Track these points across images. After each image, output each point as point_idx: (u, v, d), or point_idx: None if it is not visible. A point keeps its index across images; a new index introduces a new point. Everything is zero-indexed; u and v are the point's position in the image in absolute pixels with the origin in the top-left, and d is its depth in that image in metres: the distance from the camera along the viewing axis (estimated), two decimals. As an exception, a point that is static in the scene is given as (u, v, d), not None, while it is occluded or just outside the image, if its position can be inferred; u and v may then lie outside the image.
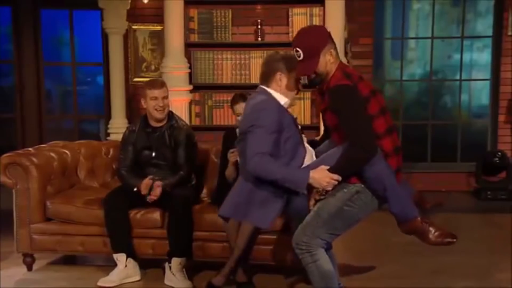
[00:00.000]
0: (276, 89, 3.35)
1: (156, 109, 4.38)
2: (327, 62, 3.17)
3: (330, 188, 3.13)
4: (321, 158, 3.25)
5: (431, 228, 3.22)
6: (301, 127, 3.50)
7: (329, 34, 3.25)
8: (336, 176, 3.09)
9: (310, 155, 3.35)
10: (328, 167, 3.11)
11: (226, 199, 3.54)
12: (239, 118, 4.61)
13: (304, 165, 3.28)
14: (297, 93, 3.46)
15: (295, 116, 3.45)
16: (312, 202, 3.22)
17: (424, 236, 3.23)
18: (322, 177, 3.11)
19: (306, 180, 3.12)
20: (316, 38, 3.19)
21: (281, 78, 3.33)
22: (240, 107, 4.54)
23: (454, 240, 3.26)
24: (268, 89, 3.35)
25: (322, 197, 3.17)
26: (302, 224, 3.21)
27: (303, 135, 3.44)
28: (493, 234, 5.54)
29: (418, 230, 3.22)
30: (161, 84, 4.44)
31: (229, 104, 6.00)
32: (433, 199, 3.49)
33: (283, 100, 3.34)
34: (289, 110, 3.43)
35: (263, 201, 3.28)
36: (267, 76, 3.38)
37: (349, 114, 3.06)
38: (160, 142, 4.43)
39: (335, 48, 3.22)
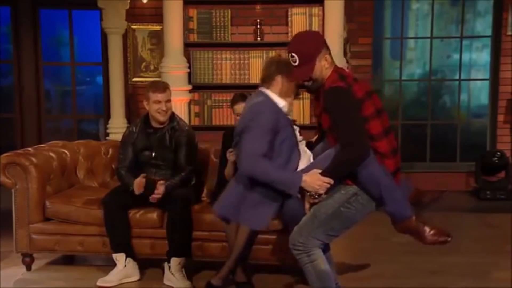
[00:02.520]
0: (275, 92, 3.37)
1: (158, 112, 4.38)
2: (322, 68, 3.20)
3: (322, 192, 3.13)
4: (315, 161, 3.26)
5: (426, 228, 3.23)
6: (300, 127, 3.50)
7: (324, 40, 3.29)
8: (327, 179, 3.10)
9: (307, 159, 3.36)
10: (320, 171, 3.12)
11: (220, 197, 3.60)
12: (239, 118, 4.61)
13: (299, 168, 3.29)
14: (295, 98, 3.48)
15: (293, 119, 3.46)
16: (307, 205, 3.22)
17: (419, 235, 3.25)
18: (313, 180, 3.12)
19: (298, 183, 3.14)
20: (311, 44, 3.22)
21: (282, 81, 3.36)
22: (240, 107, 4.53)
23: (449, 238, 3.28)
24: (267, 91, 3.37)
25: (316, 200, 3.17)
26: (299, 224, 3.22)
27: (301, 138, 3.44)
28: (492, 233, 5.54)
29: (413, 229, 3.23)
30: (165, 88, 4.43)
31: (228, 104, 6.00)
32: (430, 193, 3.50)
33: (281, 103, 3.36)
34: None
35: (256, 204, 3.31)
36: (267, 79, 3.41)
37: (341, 116, 3.07)
38: (161, 143, 4.43)
39: (330, 54, 3.25)
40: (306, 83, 3.26)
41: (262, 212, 3.32)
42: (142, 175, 4.31)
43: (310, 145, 3.51)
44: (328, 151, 3.21)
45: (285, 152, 3.27)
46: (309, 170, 3.18)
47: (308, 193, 3.15)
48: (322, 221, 3.17)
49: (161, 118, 4.40)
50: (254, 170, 3.19)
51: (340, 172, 3.13)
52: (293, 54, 3.20)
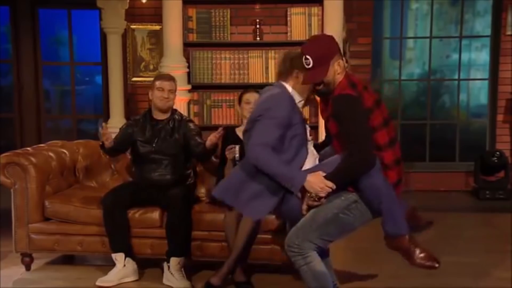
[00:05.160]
0: (293, 86, 3.34)
1: (160, 100, 4.41)
2: (335, 72, 3.18)
3: (323, 195, 3.12)
4: (321, 163, 3.25)
5: (416, 249, 3.21)
6: (310, 128, 3.49)
7: (338, 45, 3.27)
8: (330, 184, 3.09)
9: (313, 159, 3.34)
10: (324, 174, 3.11)
11: (222, 181, 3.61)
12: (246, 107, 4.50)
13: (304, 167, 3.28)
14: (311, 97, 3.45)
15: (306, 117, 3.44)
16: (305, 207, 3.20)
17: (408, 255, 3.22)
18: (316, 182, 3.10)
19: (302, 181, 3.12)
20: (327, 47, 3.21)
21: (298, 76, 3.32)
22: (251, 96, 4.45)
23: (437, 265, 3.23)
24: (285, 84, 3.35)
25: (315, 203, 3.15)
26: (296, 226, 3.20)
27: (311, 138, 3.42)
28: (492, 233, 5.55)
29: (404, 248, 3.21)
30: (170, 78, 4.49)
31: (227, 103, 5.99)
32: (425, 217, 3.48)
33: (298, 98, 3.34)
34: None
35: (256, 193, 3.27)
36: (285, 73, 3.37)
37: (350, 124, 3.05)
38: (162, 134, 4.44)
39: (343, 59, 3.23)
40: (317, 86, 3.24)
41: (261, 203, 3.28)
42: (102, 124, 4.35)
43: (315, 146, 3.51)
44: (335, 156, 3.20)
45: (294, 149, 3.25)
46: (314, 171, 3.17)
47: (309, 194, 3.13)
48: (319, 225, 3.15)
49: (162, 105, 4.42)
50: (260, 159, 3.16)
51: (344, 178, 3.12)
52: (308, 56, 3.16)
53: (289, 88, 3.34)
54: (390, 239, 3.22)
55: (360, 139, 3.04)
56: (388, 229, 3.19)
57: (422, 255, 3.21)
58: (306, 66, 3.19)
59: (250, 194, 3.28)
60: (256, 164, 3.19)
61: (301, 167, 3.28)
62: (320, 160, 3.35)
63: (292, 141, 3.25)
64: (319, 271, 3.18)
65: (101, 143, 4.39)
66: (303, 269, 3.18)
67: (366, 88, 3.21)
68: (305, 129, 3.36)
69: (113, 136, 4.44)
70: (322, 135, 5.97)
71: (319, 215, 3.16)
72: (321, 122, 6.02)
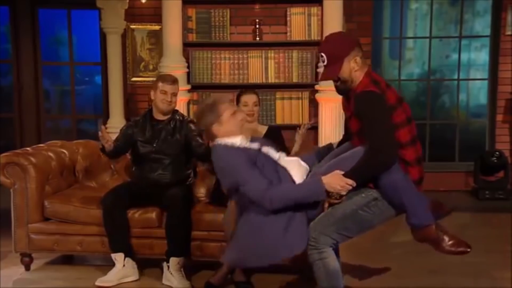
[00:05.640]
0: (222, 136, 3.32)
1: (163, 103, 4.41)
2: (351, 70, 3.18)
3: (344, 193, 3.11)
4: (338, 160, 3.23)
5: (445, 237, 3.20)
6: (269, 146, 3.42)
7: (356, 42, 3.27)
8: (350, 181, 3.07)
9: (296, 164, 3.31)
10: (342, 172, 3.09)
11: (232, 251, 3.35)
12: (244, 109, 4.49)
13: (295, 178, 3.23)
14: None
15: (259, 143, 3.38)
16: (326, 205, 3.18)
17: (437, 244, 3.21)
18: (336, 181, 3.08)
19: (322, 187, 3.08)
20: (340, 45, 3.21)
21: (218, 127, 3.32)
22: (249, 97, 4.47)
23: (468, 250, 3.24)
24: (218, 142, 3.32)
25: (336, 201, 3.14)
26: (314, 221, 3.19)
27: (278, 154, 3.34)
28: (491, 233, 5.55)
29: (431, 238, 3.20)
30: (173, 81, 4.48)
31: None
32: (445, 206, 3.46)
33: (236, 141, 3.29)
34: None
35: (285, 227, 3.14)
36: (207, 133, 3.41)
37: (373, 120, 3.05)
38: (163, 135, 4.44)
39: (362, 56, 3.22)
40: (334, 83, 3.26)
41: (295, 232, 3.15)
42: (103, 127, 4.33)
43: (330, 148, 3.50)
44: (351, 151, 3.18)
45: (273, 173, 3.19)
46: (331, 169, 3.14)
47: (330, 193, 3.12)
48: (337, 219, 3.15)
49: (165, 108, 4.43)
50: (276, 201, 3.09)
51: (364, 175, 3.11)
52: (322, 54, 3.23)
53: (222, 140, 3.31)
54: (417, 231, 3.21)
55: (382, 135, 3.04)
56: (413, 222, 3.19)
57: (451, 242, 3.21)
58: (322, 64, 3.24)
59: (278, 234, 3.13)
60: (276, 208, 3.10)
61: (292, 181, 3.22)
62: (337, 155, 3.32)
63: (266, 170, 3.19)
64: (332, 268, 3.17)
65: (101, 147, 4.38)
66: (317, 264, 3.16)
67: (388, 86, 3.21)
68: (266, 154, 3.29)
69: (113, 138, 4.43)
70: (322, 135, 5.98)
71: (338, 210, 3.16)
72: (322, 122, 6.04)
